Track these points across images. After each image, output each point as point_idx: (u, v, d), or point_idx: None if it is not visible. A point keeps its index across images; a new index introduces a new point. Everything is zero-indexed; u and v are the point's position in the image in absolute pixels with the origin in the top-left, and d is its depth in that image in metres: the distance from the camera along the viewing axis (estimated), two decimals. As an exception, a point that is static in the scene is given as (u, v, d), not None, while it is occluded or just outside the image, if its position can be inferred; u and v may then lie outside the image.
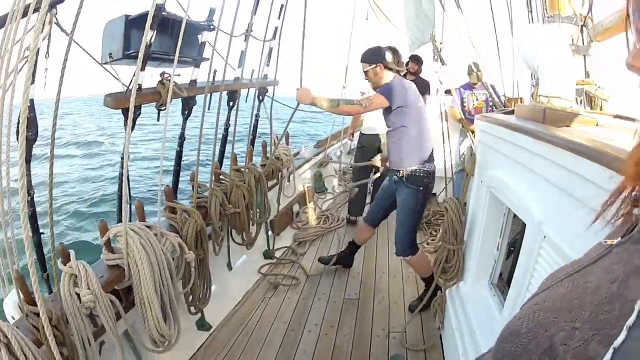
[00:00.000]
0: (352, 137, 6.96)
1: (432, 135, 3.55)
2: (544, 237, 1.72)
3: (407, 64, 6.05)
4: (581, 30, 3.70)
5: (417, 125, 3.44)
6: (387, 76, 3.50)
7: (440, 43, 4.07)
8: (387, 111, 3.45)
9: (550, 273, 0.69)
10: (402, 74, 3.63)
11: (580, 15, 3.65)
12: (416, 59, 5.99)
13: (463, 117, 4.92)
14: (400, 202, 3.59)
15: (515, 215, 2.34)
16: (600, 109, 3.57)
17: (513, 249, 2.64)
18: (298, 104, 3.59)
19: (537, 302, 0.60)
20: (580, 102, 3.63)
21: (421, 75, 6.18)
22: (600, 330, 0.45)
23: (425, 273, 3.69)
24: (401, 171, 3.48)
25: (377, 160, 4.51)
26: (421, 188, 3.48)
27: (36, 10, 1.84)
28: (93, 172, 16.41)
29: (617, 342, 0.42)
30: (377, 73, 3.50)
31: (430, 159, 3.53)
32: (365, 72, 3.56)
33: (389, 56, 3.48)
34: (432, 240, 5.18)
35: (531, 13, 4.23)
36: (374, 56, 3.51)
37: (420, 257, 3.71)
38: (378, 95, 3.39)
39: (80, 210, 11.13)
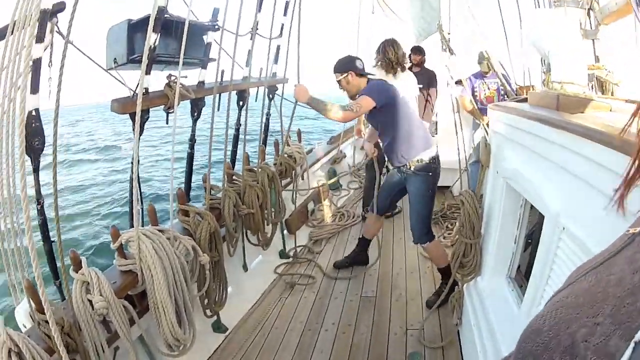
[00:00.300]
0: (361, 134, 6.91)
1: (443, 127, 3.57)
2: (563, 228, 1.67)
3: (409, 56, 5.96)
4: (588, 14, 3.63)
5: (406, 117, 3.47)
6: (361, 82, 3.55)
7: (449, 33, 4.01)
8: (374, 112, 3.45)
9: (577, 267, 0.66)
10: (408, 66, 3.63)
11: (587, -2, 3.58)
12: (417, 50, 5.86)
13: (475, 107, 4.83)
14: (412, 192, 3.62)
15: (532, 207, 2.28)
16: (612, 94, 3.50)
17: (531, 241, 2.58)
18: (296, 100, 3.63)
19: (560, 299, 0.57)
20: (592, 88, 3.56)
21: (426, 65, 6.05)
22: (622, 324, 0.43)
23: (442, 262, 3.69)
24: (407, 164, 3.52)
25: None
26: (430, 173, 3.53)
27: (37, 19, 1.83)
28: (115, 175, 16.61)
29: (638, 336, 0.40)
30: (349, 81, 3.55)
31: (429, 143, 3.57)
32: (338, 82, 3.60)
33: (359, 63, 3.56)
34: (449, 234, 5.10)
35: (537, -2, 4.16)
36: (344, 65, 3.56)
37: (436, 244, 3.75)
38: (364, 97, 3.38)
39: (113, 211, 11.30)
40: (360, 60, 3.60)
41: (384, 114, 3.44)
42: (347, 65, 3.54)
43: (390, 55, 4.24)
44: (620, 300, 0.46)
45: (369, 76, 3.61)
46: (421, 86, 5.80)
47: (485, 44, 4.11)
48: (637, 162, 0.59)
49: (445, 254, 3.67)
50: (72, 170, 17.27)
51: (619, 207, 0.64)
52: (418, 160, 3.49)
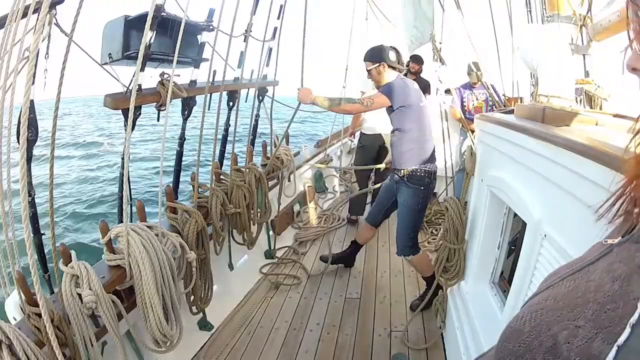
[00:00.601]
0: (353, 136, 6.97)
1: (433, 135, 3.54)
2: (544, 235, 1.73)
3: (407, 64, 6.06)
4: (580, 30, 3.71)
5: (418, 126, 3.42)
6: (390, 75, 3.50)
7: (440, 43, 4.07)
8: (389, 111, 3.45)
9: (550, 272, 0.70)
10: (403, 73, 3.63)
11: (580, 14, 3.66)
12: (417, 59, 6.00)
13: (463, 117, 4.92)
14: (402, 202, 3.57)
15: (515, 214, 2.34)
16: (600, 108, 3.57)
17: (514, 248, 2.64)
18: (299, 103, 3.61)
19: (539, 301, 0.60)
20: (580, 102, 3.63)
21: (422, 75, 6.18)
22: (603, 329, 0.46)
23: (427, 272, 3.66)
24: (402, 170, 3.46)
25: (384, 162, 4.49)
26: (422, 188, 3.46)
27: (36, 10, 1.84)
28: (92, 173, 16.40)
29: (621, 339, 0.42)
30: (380, 72, 3.50)
31: (432, 159, 3.51)
32: (369, 71, 3.56)
33: (392, 55, 3.49)
34: (433, 239, 5.18)
35: (530, 13, 4.24)
36: (377, 55, 3.51)
37: (421, 257, 3.68)
38: (379, 95, 3.38)
39: (79, 211, 11.14)
40: (395, 50, 3.55)
41: (398, 114, 3.40)
42: (380, 56, 3.50)
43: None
44: (601, 305, 0.48)
45: (399, 69, 3.56)
46: None
47: (475, 56, 4.17)
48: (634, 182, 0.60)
49: (430, 264, 3.60)
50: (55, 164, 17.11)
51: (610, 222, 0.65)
52: (413, 171, 3.43)
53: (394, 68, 3.51)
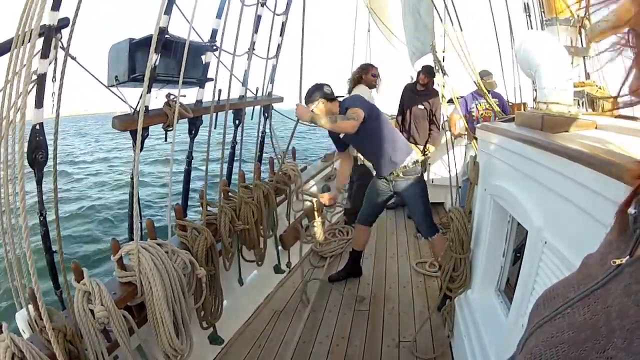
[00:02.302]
0: None
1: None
2: (545, 242, 1.75)
3: (418, 74, 6.04)
4: (579, 32, 3.74)
5: (388, 125, 3.74)
6: (333, 106, 3.72)
7: (443, 51, 4.11)
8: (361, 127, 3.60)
9: (547, 289, 0.69)
10: (413, 81, 3.88)
11: (578, 16, 3.69)
12: (428, 72, 5.80)
13: (466, 124, 4.91)
14: (407, 196, 3.84)
15: (519, 222, 2.36)
16: (602, 110, 3.59)
17: (519, 255, 2.66)
18: (298, 119, 3.76)
19: (553, 335, 0.57)
20: (582, 104, 3.65)
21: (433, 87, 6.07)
22: (637, 355, 0.44)
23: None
24: (393, 172, 3.76)
25: (324, 198, 4.44)
26: (419, 175, 3.80)
27: (41, 35, 1.90)
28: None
29: None
30: (321, 109, 3.69)
31: (409, 148, 3.89)
32: (312, 111, 3.72)
33: (327, 89, 3.75)
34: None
35: (529, 17, 4.28)
36: (313, 94, 3.72)
37: (441, 238, 3.91)
38: (354, 108, 3.55)
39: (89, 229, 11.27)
40: (328, 85, 3.76)
41: (368, 125, 3.58)
42: (316, 94, 3.71)
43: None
44: (631, 332, 0.46)
45: (338, 99, 3.78)
46: (422, 107, 5.94)
47: (478, 65, 4.21)
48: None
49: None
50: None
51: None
52: (405, 167, 3.73)
53: (333, 100, 3.74)
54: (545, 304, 0.65)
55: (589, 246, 0.73)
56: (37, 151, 2.08)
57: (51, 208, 2.21)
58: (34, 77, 1.95)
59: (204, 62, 3.24)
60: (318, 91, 3.72)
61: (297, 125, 4.11)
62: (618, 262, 0.55)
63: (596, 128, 2.11)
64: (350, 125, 3.53)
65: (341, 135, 3.85)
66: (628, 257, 0.55)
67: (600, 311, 0.52)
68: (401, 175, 3.75)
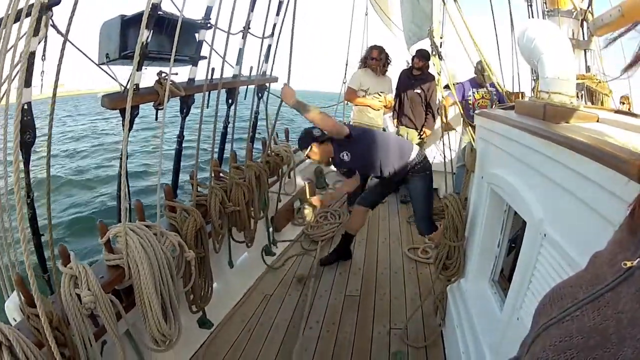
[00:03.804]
0: None
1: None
2: (544, 235, 1.72)
3: (412, 59, 6.01)
4: (581, 25, 3.69)
5: (383, 135, 4.01)
6: (326, 148, 3.83)
7: (441, 37, 4.04)
8: (354, 149, 3.78)
9: (553, 287, 0.67)
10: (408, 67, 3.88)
11: (580, 9, 3.64)
12: (422, 55, 5.80)
13: (462, 111, 4.87)
14: (413, 190, 3.93)
15: (516, 212, 2.33)
16: (602, 104, 3.56)
17: (514, 246, 2.63)
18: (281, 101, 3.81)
19: (561, 338, 0.56)
20: (581, 97, 3.62)
21: (429, 70, 6.02)
22: None
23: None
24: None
25: (315, 200, 4.45)
26: (427, 172, 3.86)
27: (32, 12, 1.83)
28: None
29: None
30: (315, 152, 3.81)
31: (410, 144, 3.98)
32: (307, 157, 3.89)
33: (316, 132, 3.78)
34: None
35: (531, 7, 4.22)
36: (304, 141, 3.84)
37: (438, 230, 3.95)
38: (343, 128, 3.75)
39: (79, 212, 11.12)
40: (316, 129, 3.78)
41: (361, 143, 3.75)
42: (307, 140, 3.81)
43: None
44: None
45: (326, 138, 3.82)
46: (419, 91, 5.90)
47: (477, 53, 4.15)
48: None
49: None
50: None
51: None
52: (415, 163, 3.78)
53: (323, 141, 3.78)
54: (552, 304, 0.64)
55: (591, 241, 0.70)
56: (25, 131, 2.01)
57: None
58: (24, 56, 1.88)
59: (197, 40, 3.15)
60: (307, 136, 3.81)
61: (281, 106, 4.12)
62: (629, 264, 0.55)
63: (598, 121, 2.07)
64: (328, 123, 3.62)
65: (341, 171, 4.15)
66: (639, 259, 0.54)
67: (610, 316, 0.51)
68: (414, 173, 3.82)
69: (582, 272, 0.66)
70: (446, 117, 5.05)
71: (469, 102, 5.50)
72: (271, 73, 4.40)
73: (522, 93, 4.63)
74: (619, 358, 0.46)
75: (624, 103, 6.01)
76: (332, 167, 7.00)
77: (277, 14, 4.01)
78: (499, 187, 2.41)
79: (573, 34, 3.67)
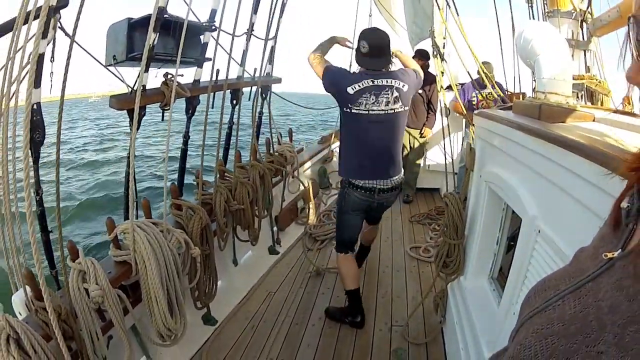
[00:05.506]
0: None
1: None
2: (538, 231, 1.76)
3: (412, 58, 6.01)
4: (581, 25, 3.72)
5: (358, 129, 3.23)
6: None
7: (444, 38, 4.08)
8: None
9: (539, 281, 0.69)
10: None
11: (580, 10, 3.68)
12: (422, 54, 5.81)
13: (465, 112, 4.91)
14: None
15: (514, 211, 2.37)
16: (601, 104, 3.58)
17: (513, 244, 2.67)
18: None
19: (543, 326, 0.57)
20: (581, 97, 3.65)
21: (429, 70, 6.07)
22: (629, 351, 0.44)
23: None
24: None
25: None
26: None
27: (40, 15, 1.89)
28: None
29: None
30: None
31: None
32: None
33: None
34: (435, 234, 5.22)
35: (532, 8, 4.26)
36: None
37: (342, 257, 3.52)
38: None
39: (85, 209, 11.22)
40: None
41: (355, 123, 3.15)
42: None
43: None
44: (622, 328, 0.46)
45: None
46: (420, 91, 5.91)
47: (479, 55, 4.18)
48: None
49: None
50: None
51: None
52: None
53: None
54: (537, 295, 0.66)
55: (582, 237, 0.73)
56: (35, 131, 2.07)
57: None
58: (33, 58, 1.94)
59: (202, 42, 3.21)
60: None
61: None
62: (610, 255, 0.56)
63: (594, 120, 2.11)
64: (317, 61, 3.21)
65: None
66: (620, 250, 0.56)
67: (590, 304, 0.53)
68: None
69: (567, 266, 0.68)
70: (464, 115, 5.07)
71: (473, 103, 5.53)
72: (271, 73, 4.45)
73: (524, 94, 4.66)
74: (599, 343, 0.47)
75: (626, 104, 6.01)
76: (335, 167, 7.06)
77: (281, 17, 4.07)
78: (497, 185, 2.44)
79: (573, 34, 3.70)
